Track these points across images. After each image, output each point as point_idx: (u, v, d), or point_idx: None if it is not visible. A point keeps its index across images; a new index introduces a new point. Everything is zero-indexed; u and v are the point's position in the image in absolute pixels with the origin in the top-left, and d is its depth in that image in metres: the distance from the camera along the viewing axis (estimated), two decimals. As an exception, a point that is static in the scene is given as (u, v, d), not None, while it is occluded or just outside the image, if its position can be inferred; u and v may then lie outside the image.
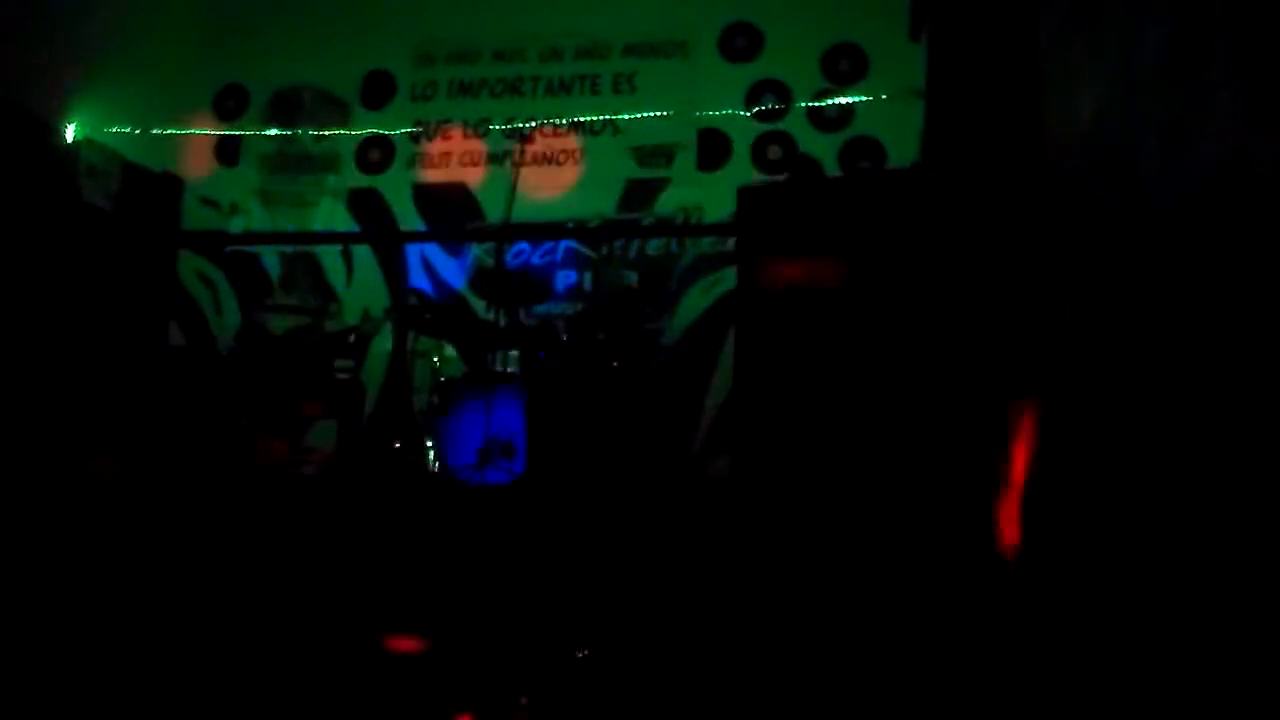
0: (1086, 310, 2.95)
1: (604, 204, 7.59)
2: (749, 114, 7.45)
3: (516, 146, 7.04)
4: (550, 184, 7.62)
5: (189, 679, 3.07)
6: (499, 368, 6.08)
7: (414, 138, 8.04)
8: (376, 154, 8.07)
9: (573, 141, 7.76)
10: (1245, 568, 1.93)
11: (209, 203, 8.19)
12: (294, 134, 8.17)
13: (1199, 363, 2.17)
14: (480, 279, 7.64)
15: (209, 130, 8.26)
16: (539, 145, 7.67)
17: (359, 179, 8.07)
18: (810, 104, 7.33)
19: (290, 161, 8.21)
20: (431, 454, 5.78)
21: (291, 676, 3.24)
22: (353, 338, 7.05)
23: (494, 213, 7.52)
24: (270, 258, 8.05)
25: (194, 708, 2.86)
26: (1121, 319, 2.65)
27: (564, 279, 7.53)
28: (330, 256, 7.93)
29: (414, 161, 8.03)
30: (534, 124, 7.62)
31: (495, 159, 7.85)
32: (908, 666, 3.00)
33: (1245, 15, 2.02)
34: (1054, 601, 2.82)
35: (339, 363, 6.80)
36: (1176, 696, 2.12)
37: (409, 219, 7.92)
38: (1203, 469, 2.11)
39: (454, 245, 7.80)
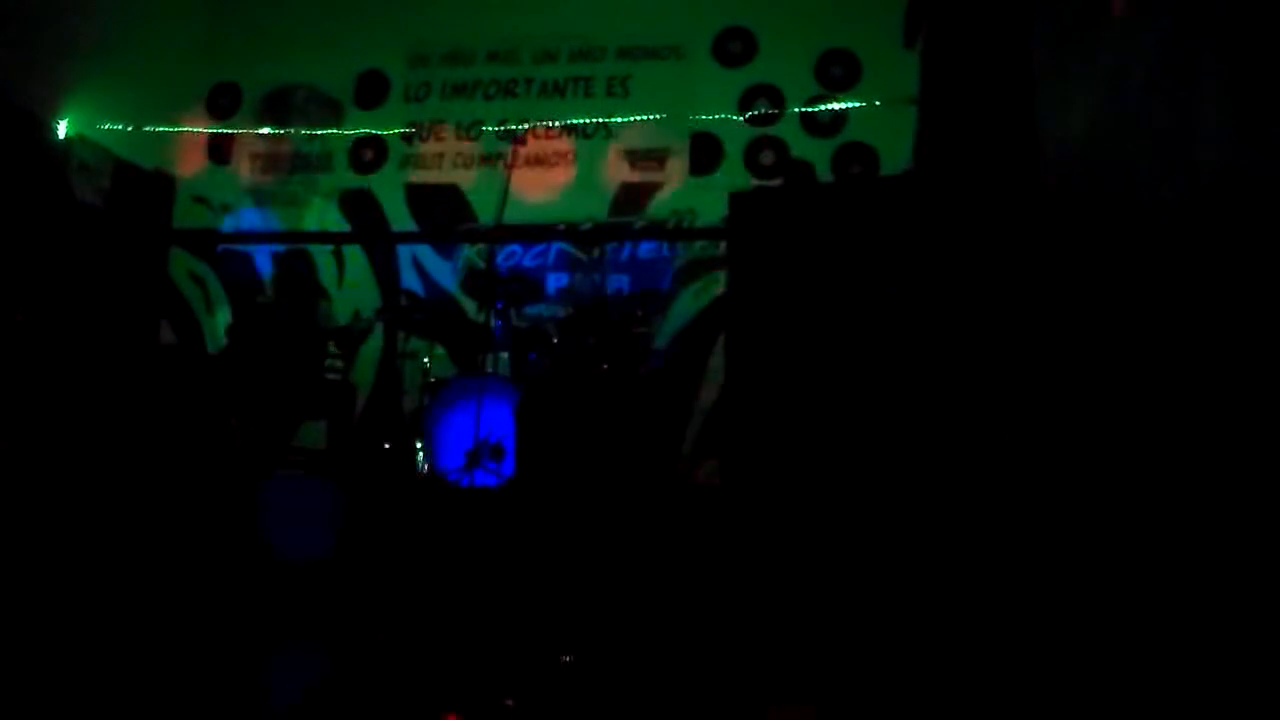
0: (1079, 318, 2.96)
1: (596, 207, 7.60)
2: (742, 118, 7.46)
3: (510, 148, 7.03)
4: (543, 186, 7.63)
5: (179, 675, 3.06)
6: (489, 369, 6.08)
7: (407, 138, 8.02)
8: (369, 154, 8.06)
9: (566, 144, 7.76)
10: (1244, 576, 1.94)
11: (200, 201, 8.18)
12: (287, 133, 8.15)
13: (1193, 367, 2.17)
14: (471, 280, 7.64)
15: (202, 128, 8.25)
16: (532, 147, 7.67)
17: (351, 179, 8.06)
18: (803, 109, 7.35)
19: (283, 161, 8.20)
20: (420, 455, 5.77)
21: (285, 673, 3.24)
22: (347, 334, 7.04)
23: (486, 214, 7.53)
24: (262, 257, 8.04)
25: (187, 704, 2.85)
26: (1115, 328, 2.66)
27: (555, 281, 7.53)
28: (322, 256, 7.92)
29: (407, 162, 8.02)
30: (527, 126, 7.62)
31: (488, 160, 7.84)
32: (891, 671, 3.01)
33: (1235, 25, 2.03)
34: (1036, 615, 2.82)
35: (329, 363, 6.79)
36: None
37: (401, 219, 7.92)
38: (1196, 471, 2.12)
39: (445, 246, 7.80)
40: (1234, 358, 1.98)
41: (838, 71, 7.37)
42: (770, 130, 7.42)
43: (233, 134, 8.26)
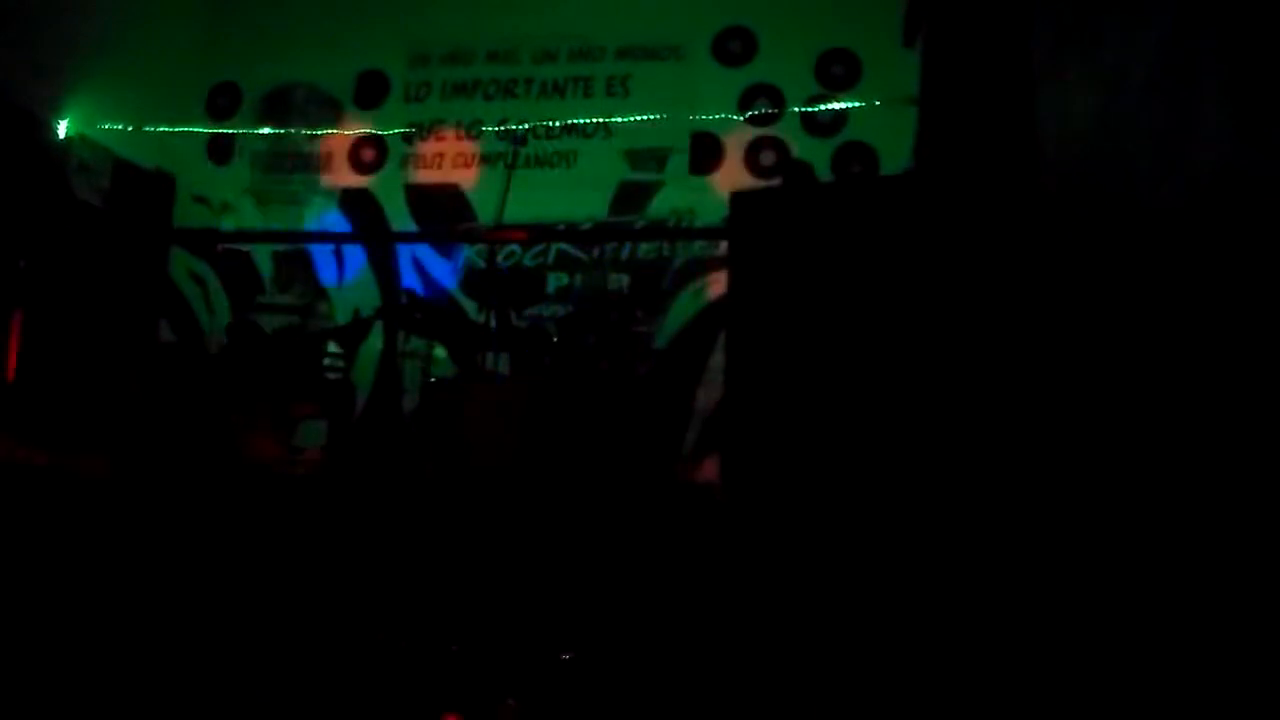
0: (1079, 317, 2.96)
1: (596, 207, 7.60)
2: (742, 118, 7.45)
3: (510, 148, 7.03)
4: (543, 186, 7.62)
5: (179, 677, 3.06)
6: (489, 369, 6.07)
7: (407, 138, 8.02)
8: (369, 154, 8.07)
9: (565, 144, 7.75)
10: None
11: (201, 200, 8.18)
12: (287, 133, 8.15)
13: (1193, 365, 2.17)
14: (471, 280, 7.64)
15: (202, 128, 8.24)
16: (532, 147, 7.66)
17: (352, 178, 8.06)
18: (803, 109, 7.34)
19: (283, 160, 8.20)
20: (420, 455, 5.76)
21: (282, 674, 3.24)
22: (348, 329, 7.04)
23: (486, 214, 7.52)
24: (262, 256, 8.04)
25: (184, 706, 2.85)
26: (1115, 326, 2.66)
27: (555, 281, 7.53)
28: (322, 255, 7.92)
29: (407, 162, 8.02)
30: (527, 126, 7.60)
31: (488, 160, 7.84)
32: (888, 672, 3.01)
33: (1235, 25, 2.03)
34: (1027, 620, 2.82)
35: (329, 362, 6.79)
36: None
37: (401, 219, 7.92)
38: (1200, 466, 2.12)
39: (446, 246, 7.79)
40: (1234, 355, 1.98)
41: (838, 71, 7.36)
42: (770, 130, 7.41)
43: (233, 134, 8.26)
